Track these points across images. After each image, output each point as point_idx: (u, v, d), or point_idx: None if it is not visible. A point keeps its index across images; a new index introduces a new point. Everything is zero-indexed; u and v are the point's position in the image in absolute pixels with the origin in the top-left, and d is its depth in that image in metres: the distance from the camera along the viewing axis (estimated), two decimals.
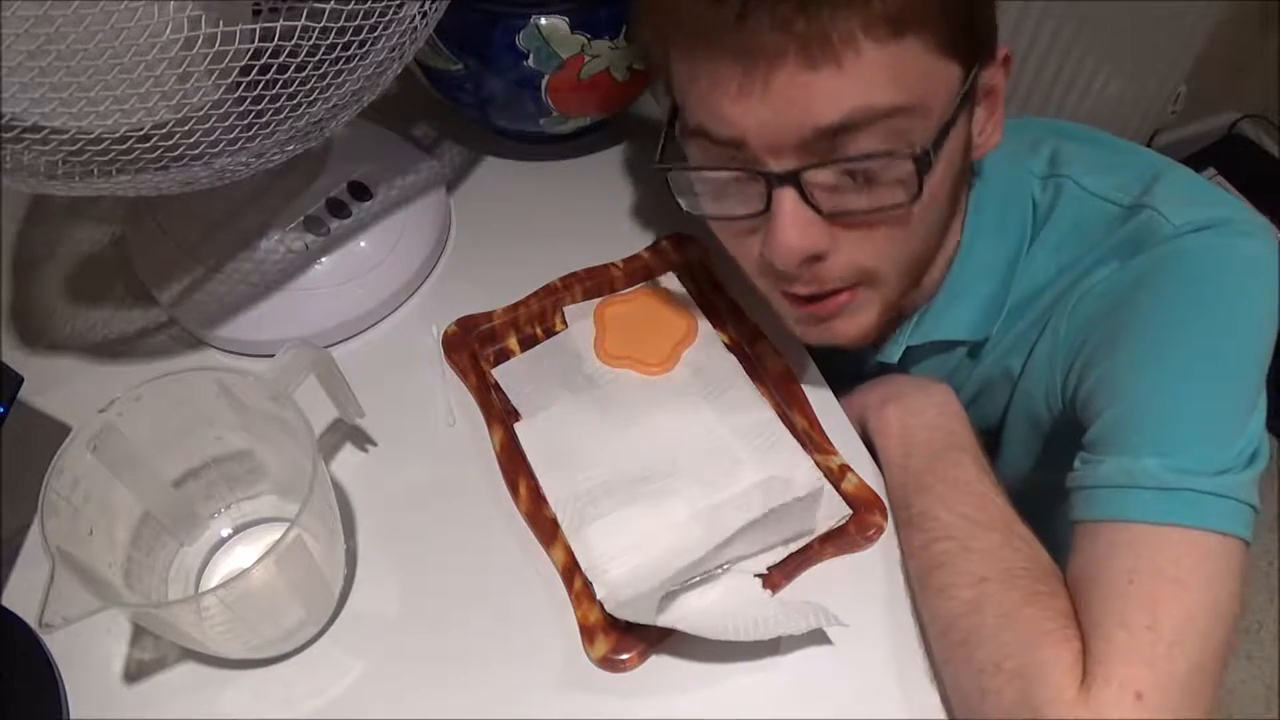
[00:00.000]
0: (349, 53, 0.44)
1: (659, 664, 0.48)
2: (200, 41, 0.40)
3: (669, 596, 0.47)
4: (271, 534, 0.44)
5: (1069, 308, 0.52)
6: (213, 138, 0.45)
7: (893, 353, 0.59)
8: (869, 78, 0.41)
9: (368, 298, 0.61)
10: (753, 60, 0.41)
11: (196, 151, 0.45)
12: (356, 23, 0.43)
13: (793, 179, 0.44)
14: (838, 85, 0.41)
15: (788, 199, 0.45)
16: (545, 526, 0.52)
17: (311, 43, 0.42)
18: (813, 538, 0.51)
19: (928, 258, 0.52)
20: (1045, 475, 0.59)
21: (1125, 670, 0.40)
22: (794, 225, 0.45)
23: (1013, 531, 0.48)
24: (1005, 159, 0.55)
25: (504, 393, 0.58)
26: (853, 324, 0.52)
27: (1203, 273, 0.46)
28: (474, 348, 0.60)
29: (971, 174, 0.55)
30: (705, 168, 0.48)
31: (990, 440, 0.62)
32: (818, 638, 0.48)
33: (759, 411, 0.57)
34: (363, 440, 0.57)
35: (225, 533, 0.52)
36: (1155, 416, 0.45)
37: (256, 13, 0.42)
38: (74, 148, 0.42)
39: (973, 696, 0.44)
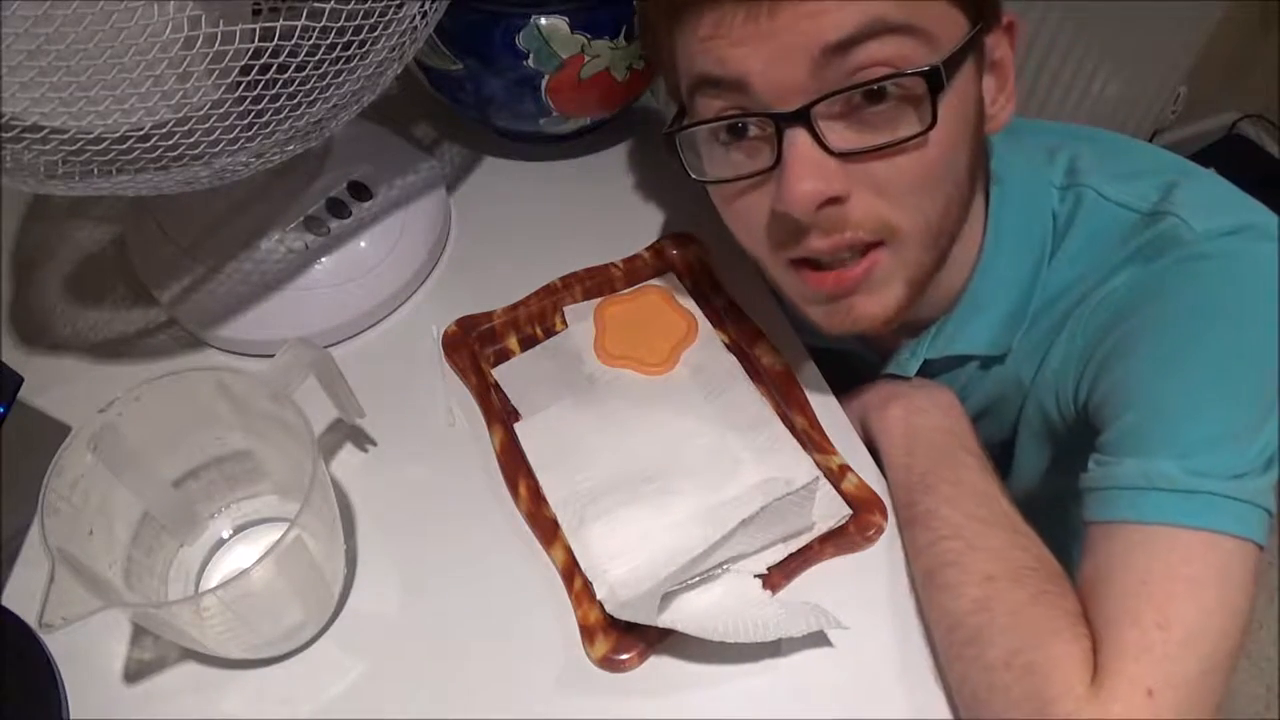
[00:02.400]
0: (349, 53, 0.44)
1: (659, 664, 0.48)
2: (200, 41, 0.40)
3: (669, 597, 0.47)
4: (271, 534, 0.44)
5: (1086, 313, 0.52)
6: (213, 138, 0.45)
7: (910, 366, 0.58)
8: None
9: (368, 298, 0.61)
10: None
11: (196, 151, 0.45)
12: (356, 23, 0.43)
13: (803, 117, 0.43)
14: (844, 6, 0.41)
15: (799, 140, 0.43)
16: (545, 526, 0.52)
17: (311, 43, 0.42)
18: (813, 537, 0.51)
19: (949, 229, 0.49)
20: (1057, 481, 0.59)
21: (1136, 667, 0.40)
22: (807, 165, 0.43)
23: (1018, 531, 0.48)
24: (1023, 167, 0.54)
25: (504, 393, 0.58)
26: (875, 301, 0.49)
27: (1224, 277, 0.46)
28: (474, 348, 0.60)
29: (989, 176, 0.54)
30: (713, 120, 0.46)
31: (1003, 451, 0.62)
32: (818, 639, 0.48)
33: (759, 411, 0.57)
34: (363, 440, 0.57)
35: (225, 533, 0.52)
36: (1173, 418, 0.45)
37: (256, 13, 0.42)
38: (74, 148, 0.42)
39: (981, 693, 0.44)
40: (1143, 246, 0.49)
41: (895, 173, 0.45)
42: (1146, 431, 0.45)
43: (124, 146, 0.42)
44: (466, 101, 0.67)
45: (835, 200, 0.45)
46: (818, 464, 0.54)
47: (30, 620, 0.48)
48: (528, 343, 0.61)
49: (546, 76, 0.62)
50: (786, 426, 0.56)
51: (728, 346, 0.60)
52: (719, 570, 0.49)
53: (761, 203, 0.47)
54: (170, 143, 0.43)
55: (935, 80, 0.42)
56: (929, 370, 0.59)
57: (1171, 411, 0.45)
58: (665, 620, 0.46)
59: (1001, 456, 0.62)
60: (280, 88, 0.43)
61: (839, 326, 0.51)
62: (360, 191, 0.62)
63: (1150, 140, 1.67)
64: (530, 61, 0.61)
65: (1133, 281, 0.50)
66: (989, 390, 0.59)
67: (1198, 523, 0.42)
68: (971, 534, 0.47)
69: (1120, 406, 0.47)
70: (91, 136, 0.41)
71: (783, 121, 0.43)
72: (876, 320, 0.50)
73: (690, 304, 0.62)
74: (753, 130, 0.46)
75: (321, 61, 0.43)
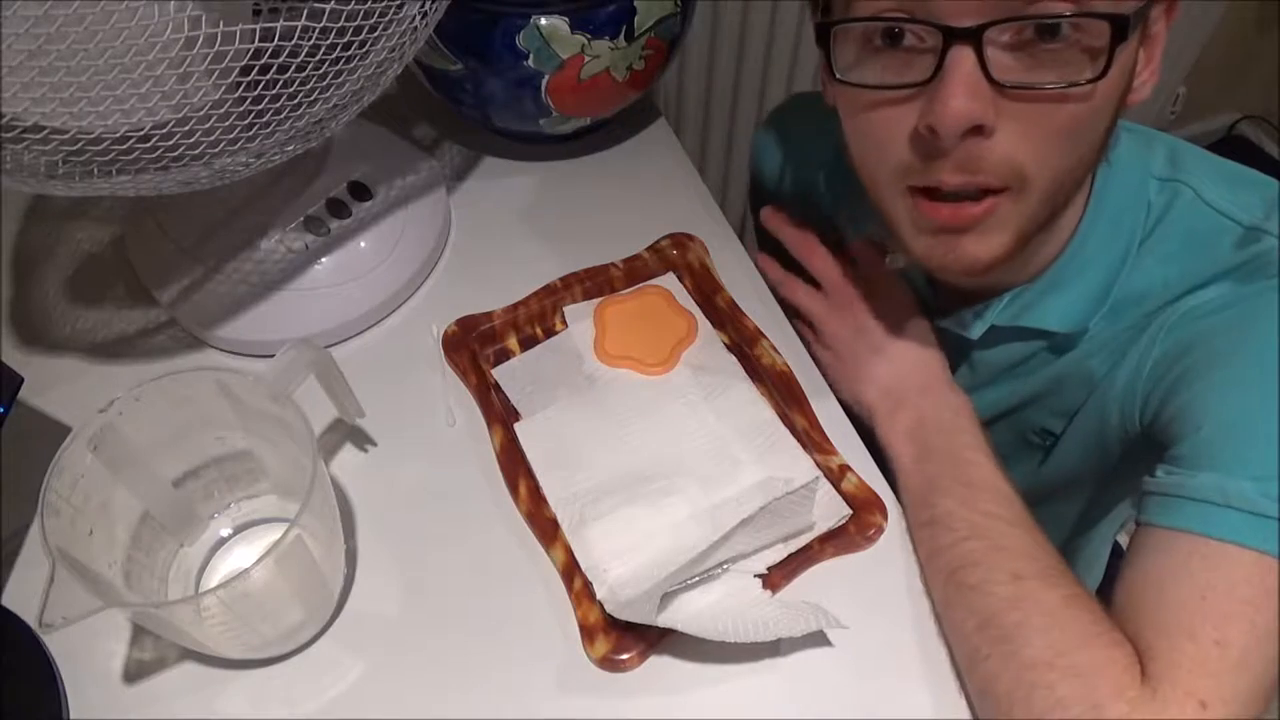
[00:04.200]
0: (349, 53, 0.44)
1: (659, 664, 0.48)
2: (200, 41, 0.40)
3: (669, 597, 0.47)
4: (271, 534, 0.44)
5: (1171, 320, 0.51)
6: (213, 138, 0.45)
7: (975, 328, 0.56)
8: None
9: (368, 298, 0.61)
10: None
11: (196, 151, 0.45)
12: (356, 23, 0.43)
13: (974, 36, 0.40)
14: None
15: (965, 59, 0.41)
16: (545, 526, 0.52)
17: (311, 43, 0.42)
18: (813, 537, 0.51)
19: (1071, 188, 0.48)
20: (1087, 483, 0.59)
21: (1192, 679, 0.40)
22: (966, 87, 0.41)
23: (1034, 529, 0.48)
24: (1129, 151, 0.53)
25: (504, 393, 0.58)
26: (984, 244, 0.47)
27: None
28: (474, 348, 0.60)
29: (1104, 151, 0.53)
30: (879, 18, 0.43)
31: (1047, 440, 0.61)
32: (817, 638, 0.48)
33: (759, 411, 0.57)
34: (363, 440, 0.57)
35: (225, 533, 0.52)
36: (1259, 439, 0.45)
37: (256, 13, 0.42)
38: (74, 148, 0.42)
39: (1017, 691, 0.43)
40: (1240, 265, 0.49)
41: (1046, 117, 0.43)
42: (1225, 448, 0.45)
43: (124, 146, 0.42)
44: (466, 101, 0.67)
45: (980, 130, 0.43)
46: (818, 464, 0.54)
47: (30, 620, 0.48)
48: (528, 343, 0.61)
49: (546, 76, 0.62)
50: (786, 426, 0.56)
51: (728, 346, 0.60)
52: (719, 570, 0.49)
53: (900, 119, 0.45)
54: (170, 143, 0.43)
55: (1121, 28, 0.40)
56: (992, 339, 0.57)
57: (1254, 433, 0.45)
58: (665, 620, 0.46)
59: (1044, 445, 0.61)
60: (280, 88, 0.43)
61: (940, 262, 0.49)
62: (360, 191, 0.62)
63: None
64: (530, 61, 0.61)
65: (1224, 299, 0.49)
66: (1052, 375, 0.58)
67: (1264, 546, 0.42)
68: (995, 534, 0.48)
69: (1198, 420, 0.47)
70: (91, 136, 0.41)
71: (951, 37, 0.41)
72: (980, 263, 0.48)
73: (690, 304, 0.62)
74: (911, 40, 0.43)
75: (321, 62, 0.43)
